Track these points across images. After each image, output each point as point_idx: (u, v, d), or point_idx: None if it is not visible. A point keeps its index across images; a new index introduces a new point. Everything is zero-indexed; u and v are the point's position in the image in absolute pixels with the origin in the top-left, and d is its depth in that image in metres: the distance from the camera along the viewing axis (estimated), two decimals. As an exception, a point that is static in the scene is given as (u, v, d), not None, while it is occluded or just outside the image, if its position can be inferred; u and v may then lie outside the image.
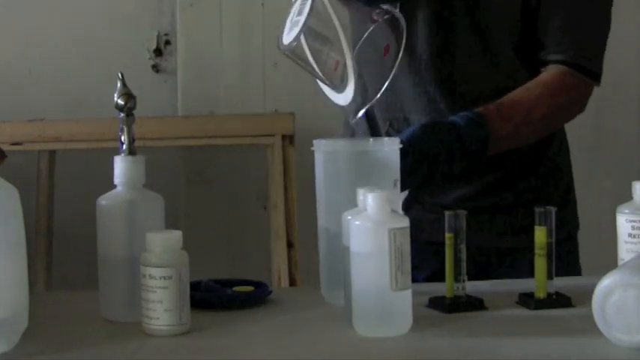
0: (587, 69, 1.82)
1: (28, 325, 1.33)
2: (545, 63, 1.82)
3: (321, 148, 1.53)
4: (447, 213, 1.48)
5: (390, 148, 1.51)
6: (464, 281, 1.48)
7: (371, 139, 1.54)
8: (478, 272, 1.78)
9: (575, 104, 1.85)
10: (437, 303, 1.49)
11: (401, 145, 1.51)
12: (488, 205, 1.87)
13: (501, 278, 1.72)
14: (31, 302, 1.34)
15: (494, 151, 1.71)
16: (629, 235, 1.47)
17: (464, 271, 1.48)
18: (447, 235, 1.48)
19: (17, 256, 1.30)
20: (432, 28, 1.82)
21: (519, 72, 1.83)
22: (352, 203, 1.39)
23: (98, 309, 1.48)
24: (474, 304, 1.48)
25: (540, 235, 1.48)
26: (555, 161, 1.93)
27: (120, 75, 1.51)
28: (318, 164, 1.53)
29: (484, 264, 1.86)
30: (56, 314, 1.52)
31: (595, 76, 1.84)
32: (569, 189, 1.96)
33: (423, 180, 1.62)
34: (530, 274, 1.51)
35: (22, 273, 1.31)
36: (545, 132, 1.85)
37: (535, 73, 1.83)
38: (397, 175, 1.50)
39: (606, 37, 1.85)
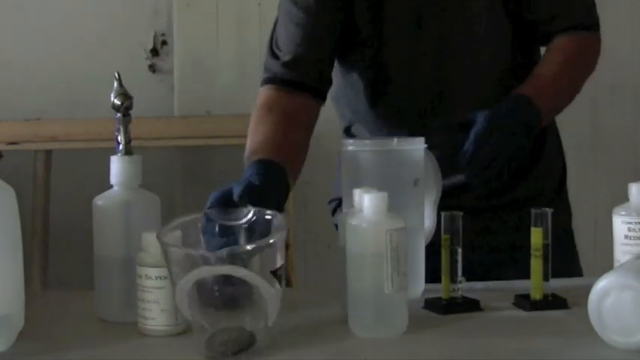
0: (589, 25, 1.89)
1: (24, 325, 1.33)
2: (548, 35, 1.87)
3: (345, 147, 1.53)
4: (443, 214, 1.48)
5: (414, 147, 1.52)
6: (460, 282, 1.48)
7: (395, 139, 1.54)
8: (485, 271, 1.78)
9: (592, 57, 1.91)
10: (433, 304, 1.49)
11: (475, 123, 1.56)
12: (500, 204, 1.87)
13: (505, 277, 1.71)
14: (27, 302, 1.33)
15: (541, 126, 1.74)
16: (625, 236, 1.47)
17: (460, 272, 1.48)
18: (443, 237, 1.48)
19: (13, 255, 1.30)
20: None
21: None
22: None
23: (94, 309, 1.48)
24: (470, 305, 1.48)
25: (536, 236, 1.48)
26: (551, 154, 1.93)
27: (116, 75, 1.51)
28: (343, 164, 1.54)
29: (490, 263, 1.86)
30: (52, 314, 1.52)
31: (597, 26, 1.90)
32: (564, 180, 1.97)
33: (506, 161, 1.63)
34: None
35: (18, 273, 1.31)
36: (576, 92, 1.88)
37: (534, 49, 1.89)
38: (418, 174, 1.51)
39: None
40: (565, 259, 1.83)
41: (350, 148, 1.53)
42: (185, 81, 3.54)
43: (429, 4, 1.82)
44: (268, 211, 1.37)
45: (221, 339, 1.24)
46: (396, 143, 1.54)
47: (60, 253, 3.40)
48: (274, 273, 1.27)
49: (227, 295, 1.25)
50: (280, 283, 1.28)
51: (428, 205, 1.59)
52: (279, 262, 1.29)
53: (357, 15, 1.83)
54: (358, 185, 1.43)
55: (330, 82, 1.88)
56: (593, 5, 1.90)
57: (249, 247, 1.27)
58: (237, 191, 1.45)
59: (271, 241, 1.28)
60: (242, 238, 1.35)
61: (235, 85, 3.52)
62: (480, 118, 1.63)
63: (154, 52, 3.60)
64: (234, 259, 1.23)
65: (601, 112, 3.63)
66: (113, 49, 3.54)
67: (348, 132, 1.97)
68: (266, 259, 1.27)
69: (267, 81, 1.84)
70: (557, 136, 1.99)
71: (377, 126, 1.89)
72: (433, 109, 1.84)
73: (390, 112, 1.88)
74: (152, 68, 3.60)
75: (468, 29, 1.83)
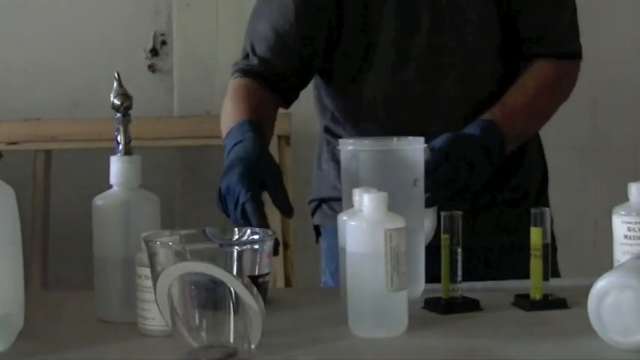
0: (571, 53, 1.88)
1: (24, 325, 1.33)
2: (528, 56, 1.86)
3: (345, 147, 1.53)
4: (442, 214, 1.48)
5: (414, 147, 1.52)
6: (459, 282, 1.48)
7: (395, 139, 1.54)
8: (484, 272, 1.79)
9: (568, 86, 1.90)
10: (433, 304, 1.49)
11: (431, 149, 1.55)
12: (485, 205, 1.87)
13: (488, 279, 1.71)
14: (26, 302, 1.33)
15: (507, 151, 1.73)
16: (625, 236, 1.47)
17: (459, 272, 1.48)
18: (443, 237, 1.48)
19: (13, 255, 1.30)
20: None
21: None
22: None
23: (94, 309, 1.48)
24: (470, 305, 1.48)
25: (536, 235, 1.48)
26: (533, 158, 1.94)
27: (116, 75, 1.51)
28: (343, 163, 1.54)
29: (482, 263, 1.86)
30: (52, 314, 1.52)
31: (579, 54, 1.89)
32: (546, 181, 1.98)
33: (460, 188, 1.63)
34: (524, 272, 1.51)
35: (17, 273, 1.31)
36: (547, 120, 1.88)
37: (515, 64, 1.87)
38: (418, 174, 1.51)
39: (575, 10, 1.89)
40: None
41: (349, 147, 1.53)
42: (185, 81, 3.54)
43: (422, 9, 1.82)
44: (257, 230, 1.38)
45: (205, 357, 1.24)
46: (395, 143, 1.54)
47: (60, 253, 3.40)
48: (257, 282, 1.27)
49: (206, 299, 1.24)
50: (264, 294, 1.27)
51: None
52: (264, 270, 1.30)
53: (347, 20, 1.83)
54: (357, 185, 1.43)
55: (296, 93, 1.90)
56: (577, 33, 1.89)
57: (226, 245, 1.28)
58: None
59: (255, 246, 1.29)
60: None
61: (235, 85, 3.51)
62: (438, 142, 1.63)
63: (154, 52, 3.60)
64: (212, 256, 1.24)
65: (601, 112, 3.63)
66: (113, 49, 3.54)
67: (328, 131, 1.96)
68: (247, 262, 1.28)
69: (243, 72, 1.86)
70: (539, 140, 1.98)
71: (357, 130, 1.89)
72: (420, 119, 1.84)
73: (372, 116, 1.88)
74: (152, 68, 3.61)
75: (460, 36, 1.83)
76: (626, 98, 3.66)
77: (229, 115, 1.76)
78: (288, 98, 1.88)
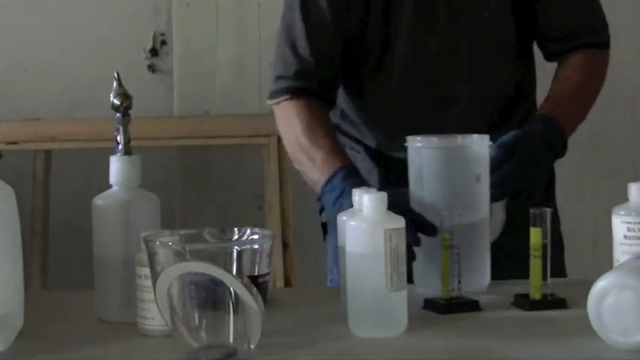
0: (603, 43, 1.93)
1: (24, 325, 1.33)
2: (560, 53, 1.90)
3: (410, 144, 1.57)
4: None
5: (477, 143, 1.56)
6: (459, 282, 1.48)
7: (460, 136, 1.57)
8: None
9: (602, 79, 1.95)
10: (432, 304, 1.49)
11: (498, 146, 1.60)
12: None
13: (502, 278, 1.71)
14: (26, 302, 1.34)
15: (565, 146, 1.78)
16: (625, 236, 1.47)
17: (458, 272, 1.48)
18: (444, 236, 1.48)
19: (13, 255, 1.30)
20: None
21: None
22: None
23: (94, 309, 1.48)
24: (469, 305, 1.48)
25: (535, 236, 1.48)
26: None
27: (116, 75, 1.51)
28: (410, 160, 1.58)
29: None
30: (52, 314, 1.52)
31: (608, 45, 1.95)
32: (552, 182, 1.98)
33: (525, 184, 1.66)
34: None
35: (17, 273, 1.31)
36: (587, 114, 1.92)
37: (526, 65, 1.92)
38: (481, 170, 1.54)
39: (599, 2, 1.94)
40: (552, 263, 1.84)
41: (417, 144, 1.56)
42: (184, 81, 3.53)
43: (439, 7, 1.83)
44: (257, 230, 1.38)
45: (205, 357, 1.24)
46: (460, 140, 1.57)
47: (59, 253, 3.39)
48: (257, 282, 1.27)
49: (206, 299, 1.24)
50: (264, 294, 1.27)
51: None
52: (264, 270, 1.30)
53: (371, 12, 1.84)
54: (422, 182, 1.49)
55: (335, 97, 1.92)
56: (605, 23, 1.94)
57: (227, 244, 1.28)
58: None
59: (255, 246, 1.29)
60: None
61: (235, 85, 3.51)
62: (505, 138, 1.67)
63: (154, 52, 3.60)
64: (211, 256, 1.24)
65: (601, 112, 3.62)
66: (112, 49, 3.54)
67: (337, 129, 1.96)
68: (247, 262, 1.27)
69: (293, 91, 1.85)
70: None
71: (368, 127, 1.90)
72: (433, 116, 1.85)
73: (384, 112, 1.88)
74: (151, 68, 3.60)
75: (474, 35, 1.84)
76: (627, 98, 3.66)
77: (313, 152, 1.77)
78: (333, 104, 1.91)
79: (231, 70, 3.51)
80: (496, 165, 1.61)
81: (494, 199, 1.59)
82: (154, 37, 3.59)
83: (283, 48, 1.87)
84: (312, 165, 1.77)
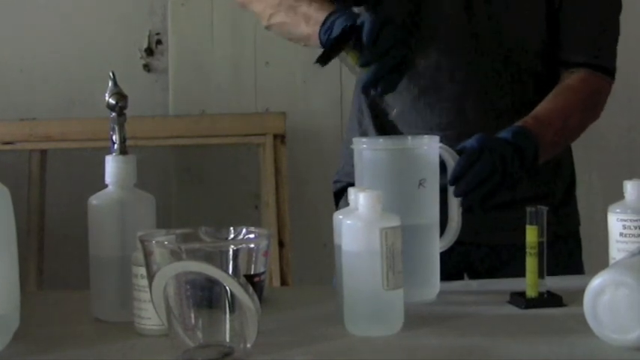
0: (609, 69, 1.90)
1: (20, 325, 1.32)
2: (567, 63, 1.87)
3: (357, 146, 1.54)
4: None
5: (420, 146, 1.52)
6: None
7: (409, 137, 1.54)
8: (490, 270, 1.78)
9: (601, 104, 1.91)
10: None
11: (463, 149, 1.55)
12: (505, 202, 1.87)
13: (509, 276, 1.71)
14: (22, 302, 1.33)
15: (541, 159, 1.72)
16: (620, 234, 1.47)
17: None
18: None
19: (8, 255, 1.30)
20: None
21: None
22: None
23: (90, 309, 1.48)
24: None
25: (531, 234, 1.48)
26: (559, 157, 1.94)
27: (111, 74, 1.51)
28: (355, 162, 1.55)
29: (496, 261, 1.86)
30: (48, 314, 1.52)
31: (613, 74, 1.92)
32: (573, 184, 1.98)
33: (495, 185, 1.61)
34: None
35: (13, 272, 1.31)
36: (579, 134, 1.90)
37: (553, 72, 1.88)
38: (426, 174, 1.51)
39: (618, 37, 1.93)
40: (570, 263, 1.84)
41: (362, 146, 1.53)
42: (180, 80, 3.54)
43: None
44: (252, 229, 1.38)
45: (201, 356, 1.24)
46: (407, 142, 1.55)
47: (55, 252, 3.39)
48: (253, 281, 1.27)
49: (202, 298, 1.24)
50: (260, 293, 1.27)
51: (452, 204, 1.58)
52: (260, 269, 1.30)
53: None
54: (366, 184, 1.44)
55: None
56: (615, 55, 1.92)
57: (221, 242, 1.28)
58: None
59: (251, 245, 1.29)
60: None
61: (230, 84, 3.52)
62: (470, 142, 1.62)
63: (149, 51, 3.60)
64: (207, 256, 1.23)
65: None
66: (108, 49, 3.54)
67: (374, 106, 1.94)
68: (243, 261, 1.27)
69: None
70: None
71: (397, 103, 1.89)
72: (466, 100, 1.85)
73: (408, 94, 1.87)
74: (147, 67, 3.60)
75: (506, 29, 1.84)
76: (622, 97, 3.66)
77: (305, 7, 1.73)
78: None
79: (227, 70, 3.51)
80: (466, 168, 1.56)
81: (462, 204, 1.56)
82: (150, 37, 3.60)
83: None
84: (301, 18, 1.73)
